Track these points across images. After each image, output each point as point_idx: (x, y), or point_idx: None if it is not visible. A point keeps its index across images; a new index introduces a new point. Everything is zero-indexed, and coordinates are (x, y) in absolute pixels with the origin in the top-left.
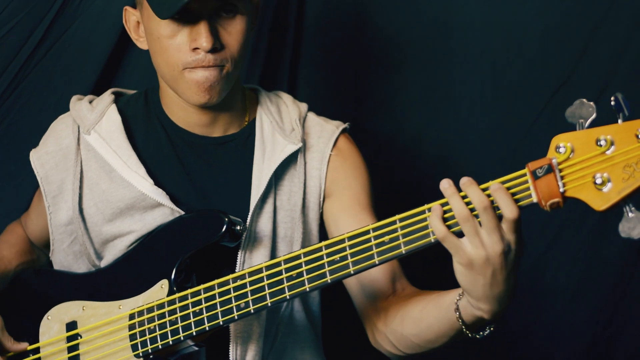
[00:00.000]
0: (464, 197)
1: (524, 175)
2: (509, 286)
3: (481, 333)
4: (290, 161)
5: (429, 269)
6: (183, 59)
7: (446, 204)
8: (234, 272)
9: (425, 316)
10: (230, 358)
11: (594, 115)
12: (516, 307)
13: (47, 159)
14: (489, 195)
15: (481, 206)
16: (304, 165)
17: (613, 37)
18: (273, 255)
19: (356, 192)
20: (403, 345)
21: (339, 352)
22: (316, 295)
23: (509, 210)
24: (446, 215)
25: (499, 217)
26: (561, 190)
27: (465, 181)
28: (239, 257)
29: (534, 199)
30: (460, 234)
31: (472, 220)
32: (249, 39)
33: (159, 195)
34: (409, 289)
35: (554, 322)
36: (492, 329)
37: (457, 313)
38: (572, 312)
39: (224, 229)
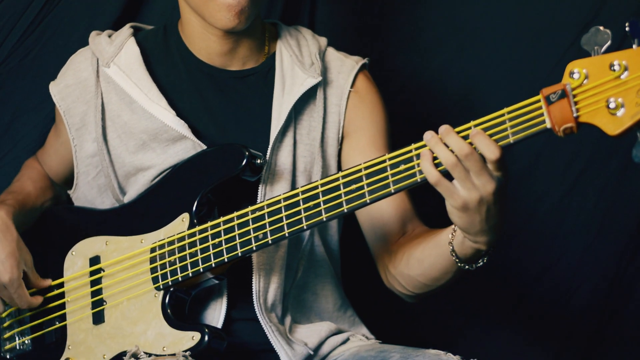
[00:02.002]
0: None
1: (538, 101)
2: (502, 215)
3: (479, 263)
4: (309, 96)
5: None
6: None
7: None
8: None
9: (427, 255)
10: (253, 290)
11: (609, 42)
12: (540, 242)
13: (67, 92)
14: (466, 137)
15: (462, 153)
16: (324, 100)
17: None
18: (293, 188)
19: (372, 133)
20: (411, 286)
21: (358, 290)
22: (335, 233)
23: (490, 152)
24: (436, 162)
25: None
26: (575, 115)
27: (443, 130)
28: (259, 191)
29: (548, 125)
30: (449, 174)
31: (459, 165)
32: None
33: (181, 126)
34: (419, 229)
35: (578, 258)
36: (485, 260)
37: (453, 253)
38: (596, 248)
39: (244, 163)
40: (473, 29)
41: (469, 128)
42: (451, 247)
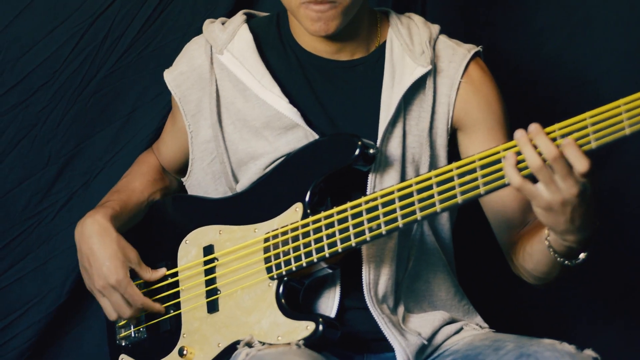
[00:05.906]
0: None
1: None
2: (590, 216)
3: (578, 259)
4: (419, 85)
5: None
6: None
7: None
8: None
9: (535, 250)
10: (364, 282)
11: None
12: None
13: (182, 79)
14: (554, 140)
15: (551, 156)
16: (434, 89)
17: None
18: (402, 179)
19: (491, 125)
20: (530, 278)
21: (471, 279)
22: (446, 222)
23: (579, 164)
24: (520, 165)
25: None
26: None
27: (533, 129)
28: (369, 181)
29: None
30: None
31: (545, 168)
32: None
33: (293, 114)
34: (537, 219)
35: None
36: (583, 258)
37: (550, 249)
38: None
39: (357, 152)
40: (585, 14)
41: (579, 121)
42: (547, 243)
